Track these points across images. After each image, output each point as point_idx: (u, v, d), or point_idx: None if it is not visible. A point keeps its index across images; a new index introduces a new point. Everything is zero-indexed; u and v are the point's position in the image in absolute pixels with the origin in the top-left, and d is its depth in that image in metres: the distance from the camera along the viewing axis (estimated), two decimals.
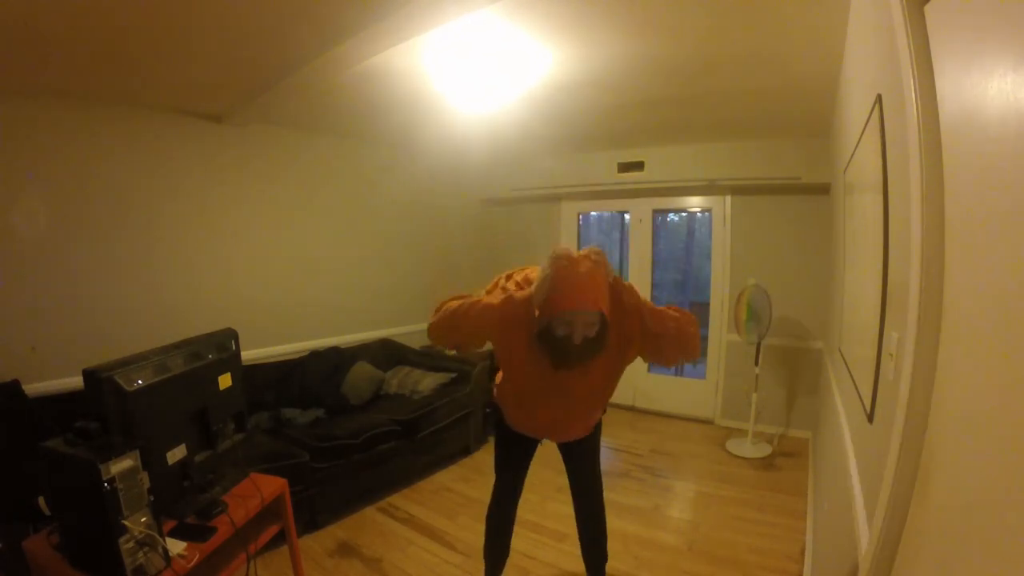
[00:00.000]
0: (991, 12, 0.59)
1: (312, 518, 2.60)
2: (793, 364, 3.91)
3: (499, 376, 1.78)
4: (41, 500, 1.36)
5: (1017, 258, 0.52)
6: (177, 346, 1.50)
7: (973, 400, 0.62)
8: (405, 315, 4.39)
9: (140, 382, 1.30)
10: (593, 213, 5.16)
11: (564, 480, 1.89)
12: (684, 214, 5.16)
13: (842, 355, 1.98)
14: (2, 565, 1.65)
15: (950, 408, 0.69)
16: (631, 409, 4.61)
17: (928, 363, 0.75)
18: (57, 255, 2.51)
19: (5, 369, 2.26)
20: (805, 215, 3.75)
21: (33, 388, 2.30)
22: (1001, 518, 0.51)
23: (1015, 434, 0.50)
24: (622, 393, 4.60)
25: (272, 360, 3.34)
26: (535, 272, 1.43)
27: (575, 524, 1.94)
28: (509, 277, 1.57)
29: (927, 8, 0.79)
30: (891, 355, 0.95)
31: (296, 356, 3.45)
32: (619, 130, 3.70)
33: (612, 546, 1.98)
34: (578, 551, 1.97)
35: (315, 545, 2.48)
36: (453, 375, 3.66)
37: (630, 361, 1.59)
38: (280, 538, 1.81)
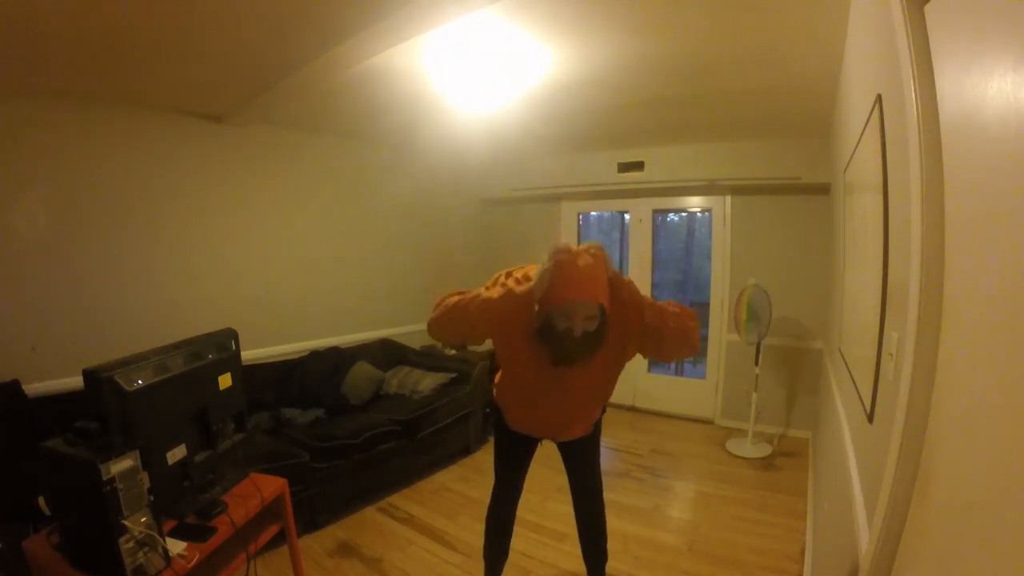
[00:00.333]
0: (991, 12, 0.59)
1: (312, 518, 2.60)
2: (793, 364, 3.91)
3: (499, 376, 1.78)
4: (41, 500, 1.37)
5: (1017, 258, 0.52)
6: (177, 346, 1.50)
7: (973, 400, 0.62)
8: (405, 315, 4.39)
9: (140, 382, 1.30)
10: (593, 213, 5.16)
11: (564, 480, 1.89)
12: (684, 214, 5.17)
13: (842, 355, 1.98)
14: (2, 565, 1.65)
15: (950, 408, 0.69)
16: (631, 409, 4.61)
17: (928, 363, 0.75)
18: (57, 255, 2.51)
19: (5, 369, 2.26)
20: (805, 215, 3.75)
21: (33, 388, 2.30)
22: (1001, 518, 0.51)
23: (1015, 434, 0.50)
24: (622, 393, 4.61)
25: (272, 360, 3.34)
26: (535, 269, 1.43)
27: (575, 524, 1.94)
28: (509, 274, 1.57)
29: (927, 8, 0.79)
30: (891, 355, 0.95)
31: (296, 356, 3.45)
32: (619, 130, 3.70)
33: (612, 546, 1.98)
34: (578, 551, 1.97)
35: (315, 545, 2.48)
36: (453, 375, 3.66)
37: (630, 357, 1.58)
38: (280, 538, 1.81)
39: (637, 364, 4.66)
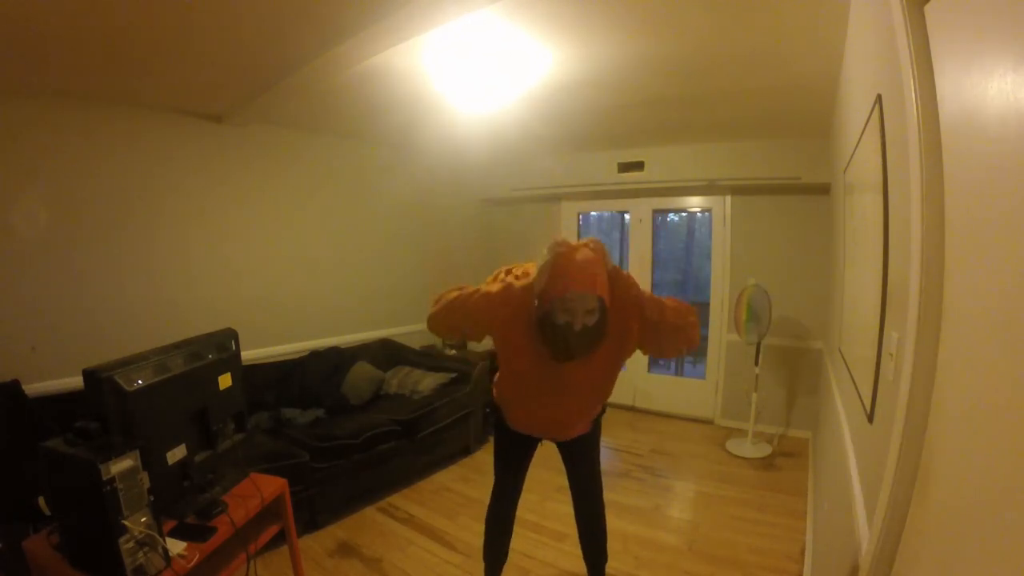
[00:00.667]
0: (991, 12, 0.59)
1: (312, 518, 2.60)
2: (793, 364, 3.91)
3: (498, 374, 1.78)
4: (41, 500, 1.36)
5: (1017, 258, 0.52)
6: (177, 346, 1.50)
7: (973, 400, 0.62)
8: (405, 315, 4.39)
9: (140, 382, 1.30)
10: (593, 213, 5.16)
11: (564, 480, 1.89)
12: (684, 214, 5.16)
13: (842, 355, 1.98)
14: (2, 565, 1.65)
15: (950, 408, 0.69)
16: (631, 409, 4.61)
17: (928, 363, 0.75)
18: (57, 255, 2.51)
19: (5, 369, 2.26)
20: (805, 215, 3.75)
21: (33, 388, 2.30)
22: (1001, 518, 0.51)
23: (1015, 434, 0.50)
24: (622, 393, 4.61)
25: (272, 360, 3.34)
26: (534, 267, 1.43)
27: (575, 524, 1.94)
28: (508, 271, 1.57)
29: (927, 8, 0.79)
30: (891, 355, 0.95)
31: (296, 356, 3.45)
32: (619, 130, 3.70)
33: (612, 546, 1.98)
34: (578, 551, 1.97)
35: (315, 545, 2.48)
36: (453, 375, 3.66)
37: (630, 353, 1.58)
38: (280, 538, 1.80)
39: (637, 364, 4.66)
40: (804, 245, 3.78)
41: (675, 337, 1.50)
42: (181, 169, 2.95)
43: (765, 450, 3.59)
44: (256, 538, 1.57)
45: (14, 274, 2.38)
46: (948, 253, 0.72)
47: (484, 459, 3.39)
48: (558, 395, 1.60)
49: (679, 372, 5.09)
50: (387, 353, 3.97)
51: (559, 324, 1.38)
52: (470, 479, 3.22)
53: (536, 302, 1.42)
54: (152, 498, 1.23)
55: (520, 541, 2.33)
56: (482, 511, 1.96)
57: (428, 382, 3.54)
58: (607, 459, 3.52)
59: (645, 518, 2.74)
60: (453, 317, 1.48)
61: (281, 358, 3.39)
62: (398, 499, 2.97)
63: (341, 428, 2.88)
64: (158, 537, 1.23)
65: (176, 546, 1.31)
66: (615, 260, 1.62)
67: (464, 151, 4.30)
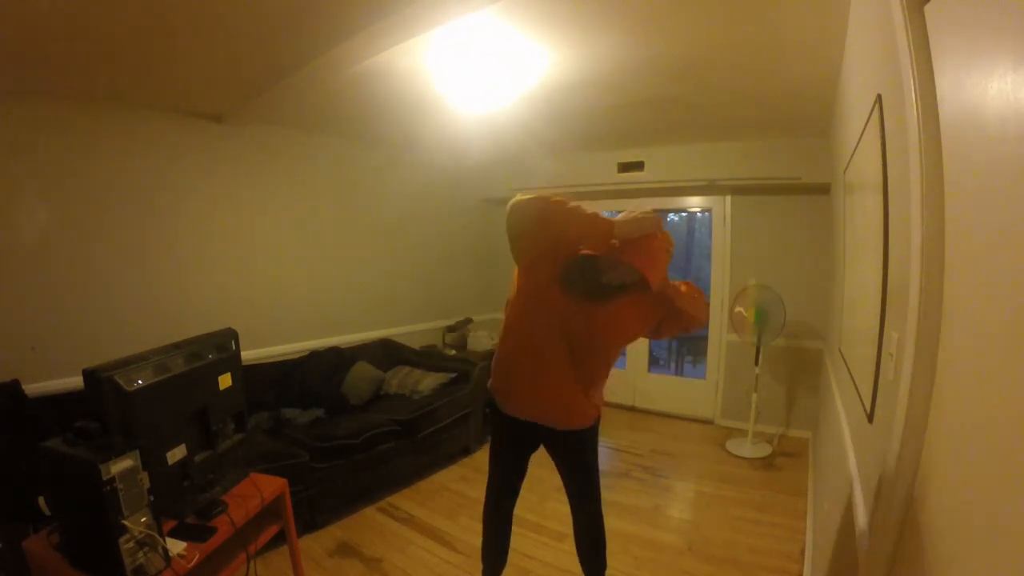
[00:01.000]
0: (991, 12, 0.59)
1: (312, 518, 2.60)
2: (793, 364, 3.91)
3: (502, 329, 1.71)
4: (41, 500, 1.36)
5: (1017, 258, 0.52)
6: (177, 346, 1.50)
7: (973, 400, 0.62)
8: (405, 315, 4.39)
9: (140, 382, 1.30)
10: None
11: None
12: (684, 214, 5.16)
13: (842, 355, 1.98)
14: (2, 565, 1.65)
15: (950, 408, 0.69)
16: (631, 409, 4.61)
17: (928, 363, 0.75)
18: (57, 255, 2.51)
19: (5, 369, 2.26)
20: (805, 215, 3.75)
21: (33, 388, 2.30)
22: (1000, 518, 0.51)
23: (1015, 434, 0.50)
24: (622, 393, 4.61)
25: (272, 360, 3.34)
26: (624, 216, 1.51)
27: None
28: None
29: (927, 8, 0.79)
30: (891, 355, 0.95)
31: (296, 356, 3.45)
32: (619, 130, 3.70)
33: (612, 546, 1.96)
34: None
35: (315, 545, 2.48)
36: (453, 375, 3.66)
37: (634, 335, 1.64)
38: (280, 538, 1.80)
39: (637, 364, 4.67)
40: (804, 245, 3.78)
41: (678, 321, 1.60)
42: (181, 169, 2.95)
43: (765, 450, 3.59)
44: (256, 538, 1.57)
45: (14, 274, 2.38)
46: (948, 253, 0.72)
47: (484, 459, 3.36)
48: (556, 338, 1.56)
49: (679, 372, 5.10)
50: (387, 353, 3.97)
51: (600, 268, 1.51)
52: (470, 479, 3.22)
53: (614, 241, 1.48)
54: (152, 498, 1.23)
55: (520, 541, 2.33)
56: (482, 511, 1.95)
57: (428, 382, 3.54)
58: (607, 459, 3.52)
59: (645, 518, 2.74)
60: (544, 212, 1.47)
61: (281, 358, 3.39)
62: (398, 499, 2.97)
63: (341, 428, 2.88)
64: (158, 537, 1.23)
65: (176, 546, 1.31)
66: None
67: (464, 151, 4.30)
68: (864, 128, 1.43)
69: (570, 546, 1.94)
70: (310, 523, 2.59)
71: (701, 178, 3.95)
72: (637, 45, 2.11)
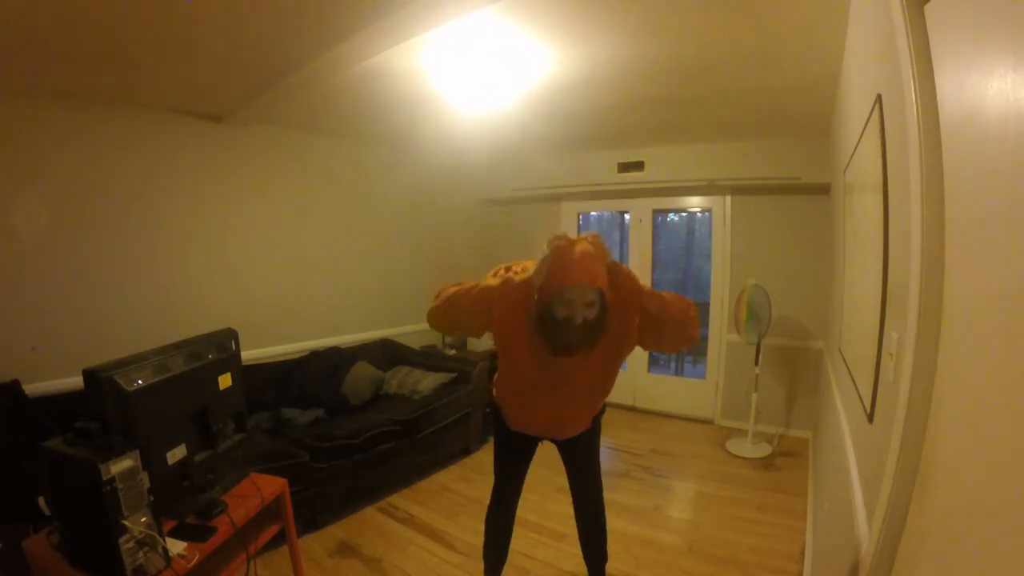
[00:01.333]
0: (991, 12, 0.59)
1: (312, 518, 2.60)
2: (793, 364, 3.90)
3: (498, 373, 1.77)
4: (41, 500, 1.36)
5: (1017, 258, 0.52)
6: (177, 346, 1.50)
7: (973, 400, 0.62)
8: (405, 315, 4.39)
9: (140, 382, 1.30)
10: (593, 213, 5.16)
11: (564, 480, 1.89)
12: (684, 214, 5.16)
13: (842, 355, 1.98)
14: (2, 565, 1.65)
15: (950, 408, 0.69)
16: (631, 409, 4.61)
17: (928, 363, 0.75)
18: (57, 255, 2.51)
19: (5, 369, 2.26)
20: (805, 215, 3.75)
21: (33, 388, 2.30)
22: (1001, 518, 0.51)
23: (1015, 434, 0.50)
24: (622, 393, 4.61)
25: (272, 360, 3.34)
26: (534, 263, 1.43)
27: (575, 524, 1.93)
28: (508, 268, 1.57)
29: (927, 8, 0.79)
30: (891, 355, 0.95)
31: (296, 356, 3.45)
32: (619, 130, 3.70)
33: (612, 546, 1.97)
34: (578, 551, 1.97)
35: (315, 545, 2.48)
36: (453, 375, 3.66)
37: (630, 349, 1.57)
38: (280, 538, 1.80)
39: (637, 364, 4.66)
40: (804, 245, 3.78)
41: (676, 332, 1.48)
42: (181, 169, 2.95)
43: (765, 450, 3.59)
44: (256, 538, 1.57)
45: (14, 274, 2.38)
46: (948, 253, 0.72)
47: (484, 459, 3.39)
48: (558, 392, 1.59)
49: (679, 372, 5.09)
50: (387, 353, 3.97)
51: (559, 318, 1.36)
52: (470, 479, 3.22)
53: (536, 296, 1.41)
54: (152, 498, 1.23)
55: (520, 541, 2.33)
56: (482, 511, 1.96)
57: (428, 382, 3.54)
58: (607, 459, 3.52)
59: (645, 518, 2.74)
60: (453, 312, 1.48)
61: (281, 358, 3.39)
62: (398, 499, 2.97)
63: (341, 428, 2.88)
64: (158, 537, 1.23)
65: (176, 546, 1.31)
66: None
67: (464, 151, 4.30)
68: (864, 128, 1.43)
69: (570, 546, 1.95)
70: (310, 523, 2.59)
71: (701, 178, 3.95)
72: (637, 45, 2.11)
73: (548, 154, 4.59)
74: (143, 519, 1.20)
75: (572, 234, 1.41)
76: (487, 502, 1.93)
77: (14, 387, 2.23)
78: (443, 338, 4.75)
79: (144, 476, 1.21)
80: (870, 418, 1.17)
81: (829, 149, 3.11)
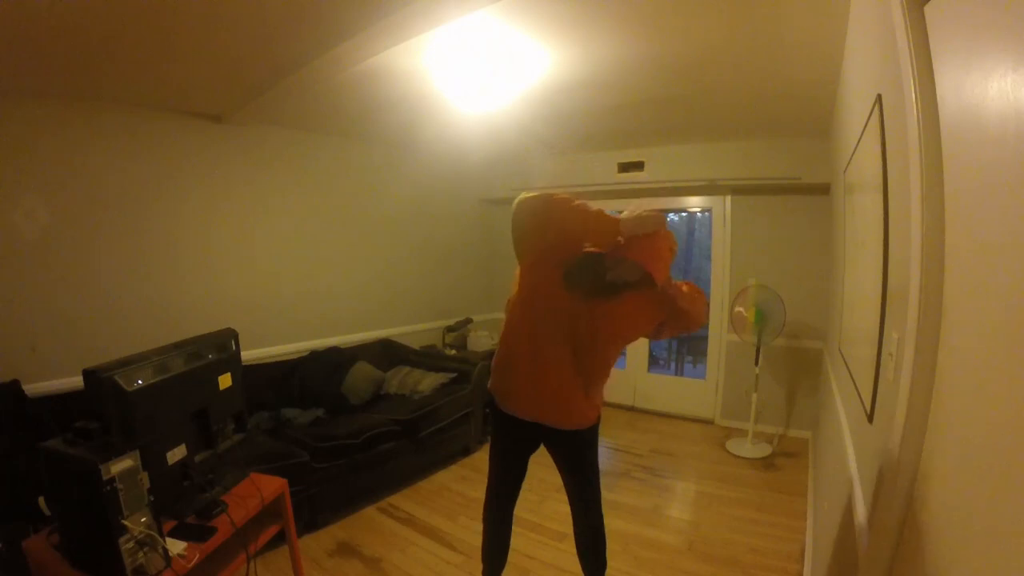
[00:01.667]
0: (991, 12, 0.59)
1: (312, 518, 2.60)
2: (793, 364, 3.91)
3: (504, 327, 1.72)
4: (41, 500, 1.36)
5: (1017, 258, 0.52)
6: (177, 346, 1.50)
7: (973, 400, 0.62)
8: (405, 315, 4.39)
9: (140, 382, 1.30)
10: None
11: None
12: (684, 214, 5.16)
13: (842, 355, 1.98)
14: (2, 565, 1.65)
15: (950, 408, 0.69)
16: (631, 409, 4.61)
17: (928, 363, 0.75)
18: (57, 255, 2.51)
19: (5, 369, 2.26)
20: (805, 215, 3.75)
21: (33, 388, 2.30)
22: (1001, 518, 0.51)
23: (1015, 434, 0.50)
24: (622, 393, 4.61)
25: (272, 360, 3.34)
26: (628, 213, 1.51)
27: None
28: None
29: (927, 8, 0.79)
30: (891, 355, 0.95)
31: (296, 356, 3.45)
32: (619, 130, 3.70)
33: (612, 546, 1.96)
34: None
35: (315, 545, 2.48)
36: (453, 375, 3.66)
37: (636, 335, 1.65)
38: (280, 538, 1.80)
39: (637, 364, 4.67)
40: (804, 245, 3.78)
41: (679, 320, 1.60)
42: (181, 169, 2.95)
43: (765, 450, 3.59)
44: (256, 538, 1.57)
45: (14, 274, 2.38)
46: (948, 253, 0.72)
47: (484, 459, 3.37)
48: (554, 348, 1.57)
49: (679, 372, 5.10)
50: (387, 353, 3.97)
51: (602, 265, 1.50)
52: (470, 479, 3.22)
53: (620, 239, 1.48)
54: (152, 498, 1.23)
55: (520, 541, 2.33)
56: (482, 511, 1.95)
57: (428, 382, 3.54)
58: (607, 459, 3.52)
59: (645, 518, 2.74)
60: (548, 208, 1.49)
61: (281, 358, 3.39)
62: (398, 499, 2.97)
63: (341, 428, 2.88)
64: (158, 537, 1.23)
65: (176, 546, 1.31)
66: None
67: (464, 151, 4.30)
68: (864, 128, 1.43)
69: (570, 546, 1.94)
70: (310, 523, 2.59)
71: (701, 178, 3.95)
72: (637, 45, 2.11)
73: (548, 154, 4.59)
74: (143, 519, 1.20)
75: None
76: None
77: (14, 387, 2.23)
78: (443, 338, 4.75)
79: (144, 476, 1.21)
80: (870, 418, 1.17)
81: (829, 149, 3.11)
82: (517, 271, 1.68)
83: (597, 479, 1.82)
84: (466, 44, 2.09)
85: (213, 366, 1.56)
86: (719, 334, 4.22)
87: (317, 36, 1.94)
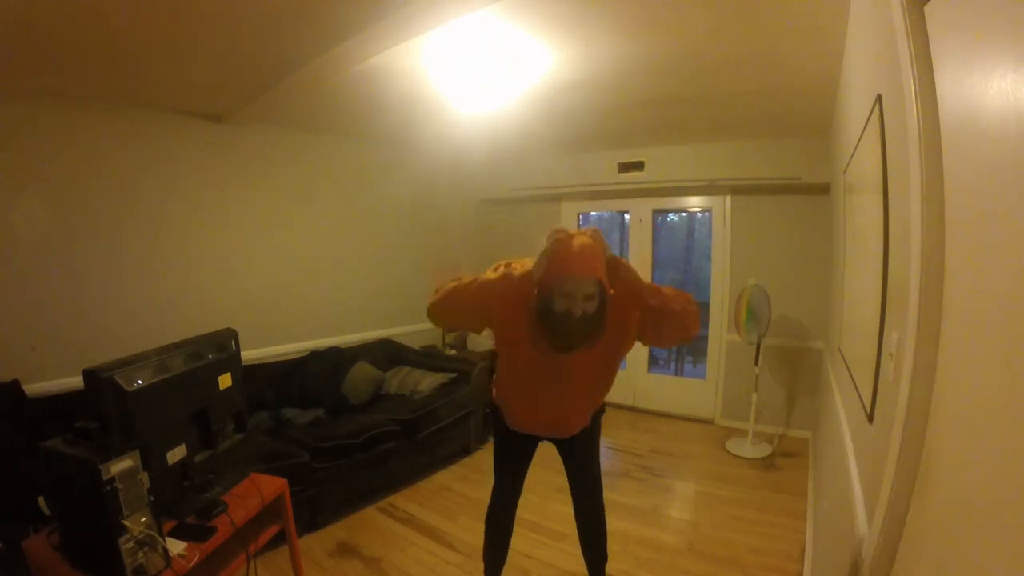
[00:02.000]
0: (991, 12, 0.59)
1: (312, 518, 2.60)
2: (793, 364, 3.90)
3: (498, 371, 1.76)
4: (41, 500, 1.36)
5: (1017, 258, 0.52)
6: (177, 346, 1.50)
7: (973, 400, 0.62)
8: (405, 315, 4.39)
9: (140, 382, 1.30)
10: (593, 213, 5.16)
11: (564, 480, 1.88)
12: (684, 214, 5.16)
13: (842, 355, 1.98)
14: (2, 565, 1.65)
15: (950, 408, 0.69)
16: (631, 409, 4.61)
17: (928, 363, 0.75)
18: (57, 255, 2.51)
19: (5, 369, 2.26)
20: (805, 215, 3.75)
21: (33, 388, 2.30)
22: (1001, 518, 0.51)
23: (1015, 434, 0.50)
24: (622, 393, 4.61)
25: (272, 360, 3.34)
26: (532, 261, 1.44)
27: (575, 524, 1.93)
28: (508, 264, 1.57)
29: (927, 8, 0.79)
30: (891, 355, 0.95)
31: (296, 356, 3.45)
32: (619, 130, 3.70)
33: (612, 546, 1.97)
34: (578, 551, 1.97)
35: (315, 545, 2.48)
36: (453, 375, 3.66)
37: (631, 344, 1.56)
38: (280, 538, 1.80)
39: (637, 364, 4.66)
40: (804, 245, 3.77)
41: (674, 326, 1.46)
42: (181, 169, 2.95)
43: (765, 450, 3.59)
44: (256, 538, 1.57)
45: (14, 274, 2.38)
46: (948, 253, 0.72)
47: (484, 459, 3.39)
48: (558, 389, 1.58)
49: (679, 372, 5.09)
50: (387, 353, 3.97)
51: (558, 311, 1.35)
52: (470, 479, 3.22)
53: (536, 291, 1.40)
54: (152, 498, 1.23)
55: (520, 541, 2.33)
56: (482, 511, 1.96)
57: (428, 382, 3.54)
58: (607, 459, 3.52)
59: (645, 518, 2.74)
60: (453, 307, 1.48)
61: (281, 358, 3.39)
62: (398, 499, 2.97)
63: (341, 428, 2.88)
64: (158, 537, 1.22)
65: (176, 546, 1.31)
66: None
67: (464, 151, 4.30)
68: (864, 128, 1.43)
69: (570, 546, 1.95)
70: (310, 523, 2.59)
71: (701, 178, 3.95)
72: (638, 45, 2.11)
73: (548, 154, 4.59)
74: (143, 519, 1.20)
75: (572, 230, 1.40)
76: (487, 502, 1.93)
77: (14, 387, 2.23)
78: (443, 338, 4.75)
79: (144, 476, 1.21)
80: (870, 418, 1.17)
81: (829, 149, 3.11)
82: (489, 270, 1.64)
83: (598, 465, 1.86)
84: (466, 44, 2.09)
85: (213, 366, 1.56)
86: (719, 334, 4.22)
87: (317, 36, 1.94)
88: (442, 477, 3.27)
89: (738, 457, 3.54)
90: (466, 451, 3.59)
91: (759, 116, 3.15)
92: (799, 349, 3.86)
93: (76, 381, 1.32)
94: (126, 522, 1.15)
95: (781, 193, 3.81)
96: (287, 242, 3.54)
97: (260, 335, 3.30)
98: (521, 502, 1.92)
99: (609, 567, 1.97)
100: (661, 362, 5.10)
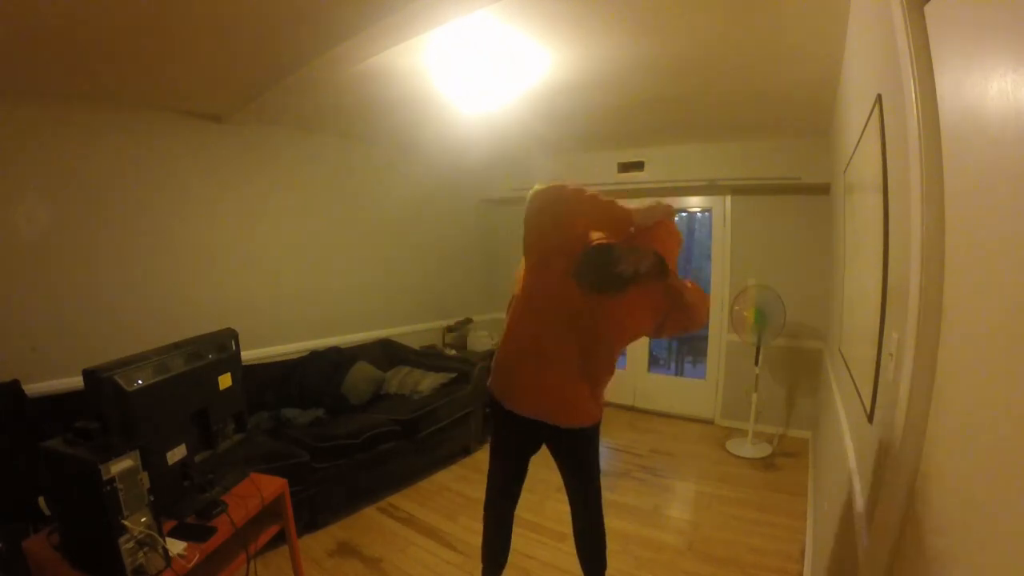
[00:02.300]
0: (991, 12, 0.59)
1: (312, 518, 2.60)
2: (793, 364, 3.91)
3: (506, 326, 1.71)
4: (41, 500, 1.36)
5: (1017, 258, 0.52)
6: (177, 346, 1.50)
7: (973, 400, 0.62)
8: (405, 315, 4.39)
9: (140, 382, 1.30)
10: None
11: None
12: (684, 214, 5.15)
13: (842, 355, 1.98)
14: (2, 565, 1.65)
15: (950, 408, 0.69)
16: (631, 409, 4.61)
17: (928, 363, 0.75)
18: (57, 255, 2.51)
19: (5, 369, 2.26)
20: (805, 215, 3.75)
21: (33, 388, 2.30)
22: (1000, 518, 0.51)
23: (1015, 434, 0.50)
24: (622, 393, 4.61)
25: (272, 360, 3.34)
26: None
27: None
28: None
29: (927, 8, 0.79)
30: (891, 355, 0.95)
31: (296, 356, 3.45)
32: (619, 130, 3.70)
33: (612, 546, 1.96)
34: None
35: (315, 545, 2.48)
36: (453, 375, 3.66)
37: (645, 321, 1.61)
38: (280, 538, 1.80)
39: (637, 364, 4.67)
40: (804, 245, 3.78)
41: (681, 317, 1.57)
42: (180, 169, 2.95)
43: (765, 450, 3.59)
44: (256, 538, 1.57)
45: (14, 274, 2.38)
46: (948, 253, 0.72)
47: (484, 459, 3.36)
48: (563, 336, 1.57)
49: (679, 372, 5.09)
50: (387, 353, 3.97)
51: (612, 256, 1.45)
52: (470, 479, 3.22)
53: (631, 229, 1.49)
54: (152, 498, 1.23)
55: (520, 541, 2.33)
56: (482, 511, 1.95)
57: (428, 382, 3.54)
58: (607, 459, 3.52)
59: (645, 518, 2.74)
60: (559, 200, 1.51)
61: (281, 358, 3.39)
62: (398, 499, 2.97)
63: (341, 428, 2.88)
64: (158, 537, 1.23)
65: (176, 546, 1.31)
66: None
67: (464, 151, 4.30)
68: (864, 128, 1.43)
69: (570, 546, 1.94)
70: (310, 523, 2.59)
71: (701, 178, 3.95)
72: (637, 45, 2.11)
73: (548, 154, 4.59)
74: (143, 519, 1.20)
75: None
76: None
77: (14, 387, 2.23)
78: (443, 338, 4.75)
79: (144, 476, 1.21)
80: (870, 418, 1.17)
81: (829, 149, 3.11)
82: (519, 270, 1.67)
83: (598, 478, 1.82)
84: (466, 44, 2.09)
85: (213, 366, 1.56)
86: (719, 334, 4.22)
87: (317, 36, 1.94)
88: (442, 477, 3.27)
89: (738, 457, 3.54)
90: (466, 451, 3.59)
91: (759, 116, 3.15)
92: (799, 349, 3.86)
93: (76, 381, 1.32)
94: (126, 522, 1.15)
95: (781, 193, 3.81)
96: (287, 241, 3.53)
97: (260, 335, 3.30)
98: (521, 502, 1.91)
99: (609, 567, 1.96)
100: (661, 362, 5.10)
